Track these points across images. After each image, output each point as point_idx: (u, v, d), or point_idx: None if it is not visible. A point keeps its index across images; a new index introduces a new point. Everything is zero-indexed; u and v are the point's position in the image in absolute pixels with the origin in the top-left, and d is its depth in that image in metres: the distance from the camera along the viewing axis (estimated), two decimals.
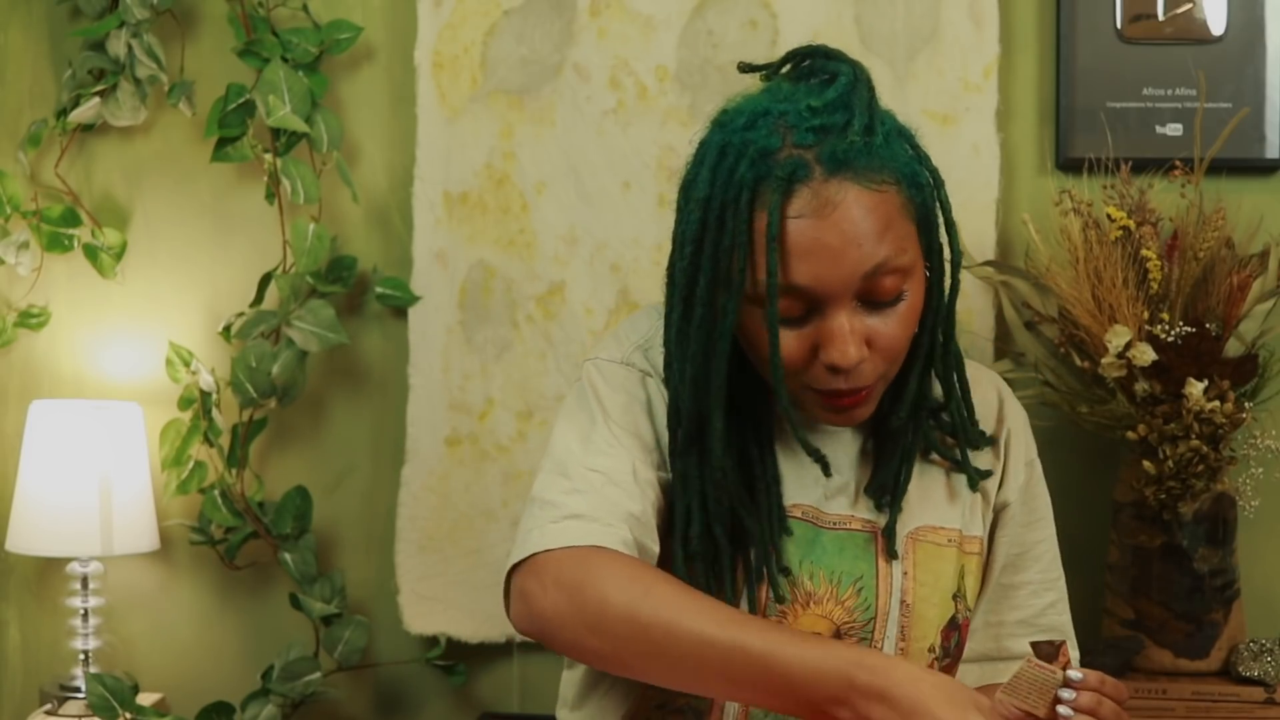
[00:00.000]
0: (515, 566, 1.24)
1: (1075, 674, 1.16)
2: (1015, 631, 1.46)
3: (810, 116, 1.23)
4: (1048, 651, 1.19)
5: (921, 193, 1.27)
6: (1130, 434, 1.95)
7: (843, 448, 1.36)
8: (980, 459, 1.41)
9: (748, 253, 1.22)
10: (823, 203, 1.21)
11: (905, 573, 1.34)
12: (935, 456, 1.38)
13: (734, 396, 1.30)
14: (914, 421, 1.34)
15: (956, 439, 1.37)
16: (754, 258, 1.22)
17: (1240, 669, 1.98)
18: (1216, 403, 1.90)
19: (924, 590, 1.35)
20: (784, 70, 1.31)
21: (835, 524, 1.34)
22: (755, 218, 1.22)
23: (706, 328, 1.25)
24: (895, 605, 1.33)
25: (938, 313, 1.30)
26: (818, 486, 1.34)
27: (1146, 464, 1.94)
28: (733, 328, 1.24)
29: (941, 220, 1.28)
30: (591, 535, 1.22)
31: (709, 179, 1.24)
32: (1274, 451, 1.99)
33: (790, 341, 1.24)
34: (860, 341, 1.23)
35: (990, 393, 1.44)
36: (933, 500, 1.38)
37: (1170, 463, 1.92)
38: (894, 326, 1.24)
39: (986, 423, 1.42)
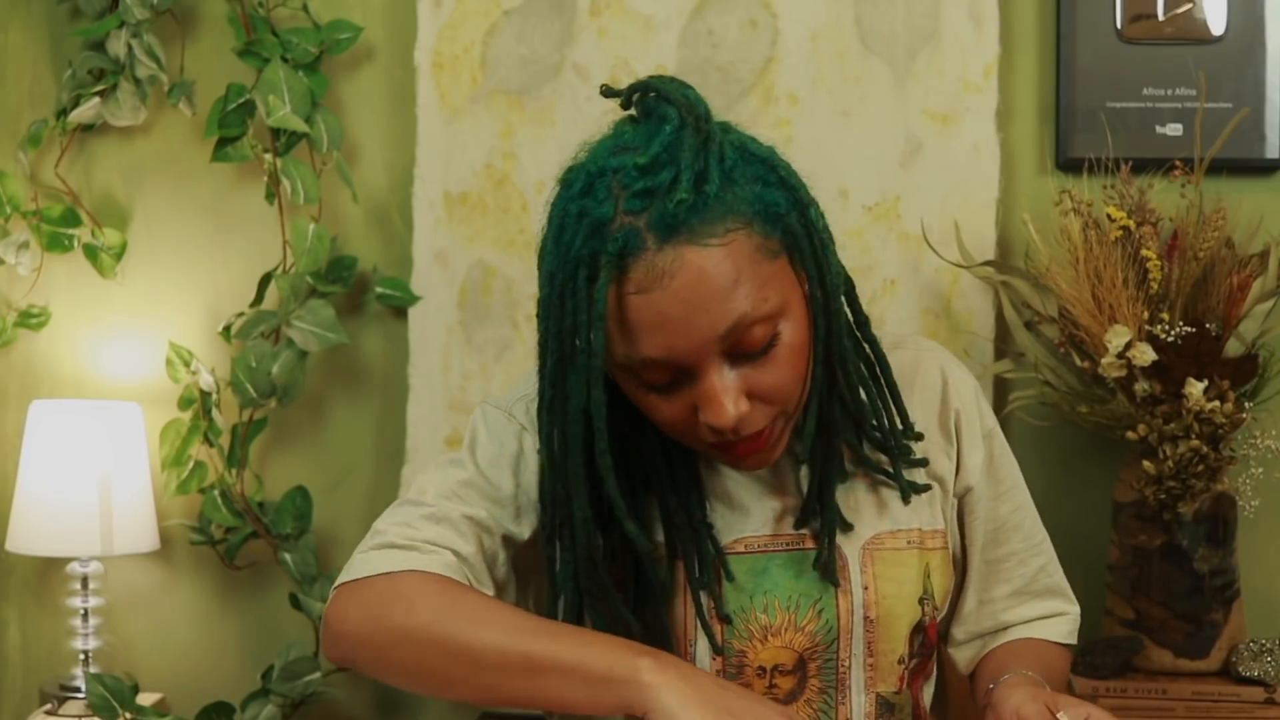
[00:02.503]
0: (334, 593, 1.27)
1: None
2: (1011, 604, 1.45)
3: (638, 178, 1.16)
4: None
5: (780, 225, 1.18)
6: (1130, 434, 1.95)
7: (776, 469, 1.32)
8: (931, 446, 1.37)
9: (589, 338, 1.17)
10: (659, 274, 1.15)
11: (866, 587, 1.31)
12: (869, 471, 1.33)
13: (636, 452, 1.27)
14: (824, 446, 1.28)
15: (888, 452, 1.32)
16: (594, 341, 1.17)
17: (1240, 669, 1.98)
18: (1216, 403, 1.90)
19: (888, 602, 1.32)
20: (633, 103, 1.24)
21: (789, 545, 1.31)
22: (593, 295, 1.17)
23: (559, 408, 1.22)
24: (859, 622, 1.31)
25: (825, 343, 1.23)
26: (761, 514, 1.31)
27: (1146, 464, 1.94)
28: (582, 408, 1.19)
29: (814, 242, 1.21)
30: (409, 562, 1.23)
31: (553, 250, 1.20)
32: (1274, 451, 1.99)
33: (668, 408, 1.20)
34: (738, 397, 1.18)
35: (934, 374, 1.39)
36: (886, 505, 1.34)
37: (1170, 463, 1.92)
38: (773, 374, 1.19)
39: (930, 408, 1.38)
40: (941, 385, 1.39)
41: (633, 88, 1.22)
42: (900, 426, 1.33)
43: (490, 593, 1.28)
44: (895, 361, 1.34)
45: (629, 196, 1.16)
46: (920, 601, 1.34)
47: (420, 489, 1.30)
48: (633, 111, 1.23)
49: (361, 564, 1.25)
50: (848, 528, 1.31)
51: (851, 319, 1.29)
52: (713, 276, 1.15)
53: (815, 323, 1.22)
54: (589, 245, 1.17)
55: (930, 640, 1.38)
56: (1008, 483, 1.43)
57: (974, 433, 1.39)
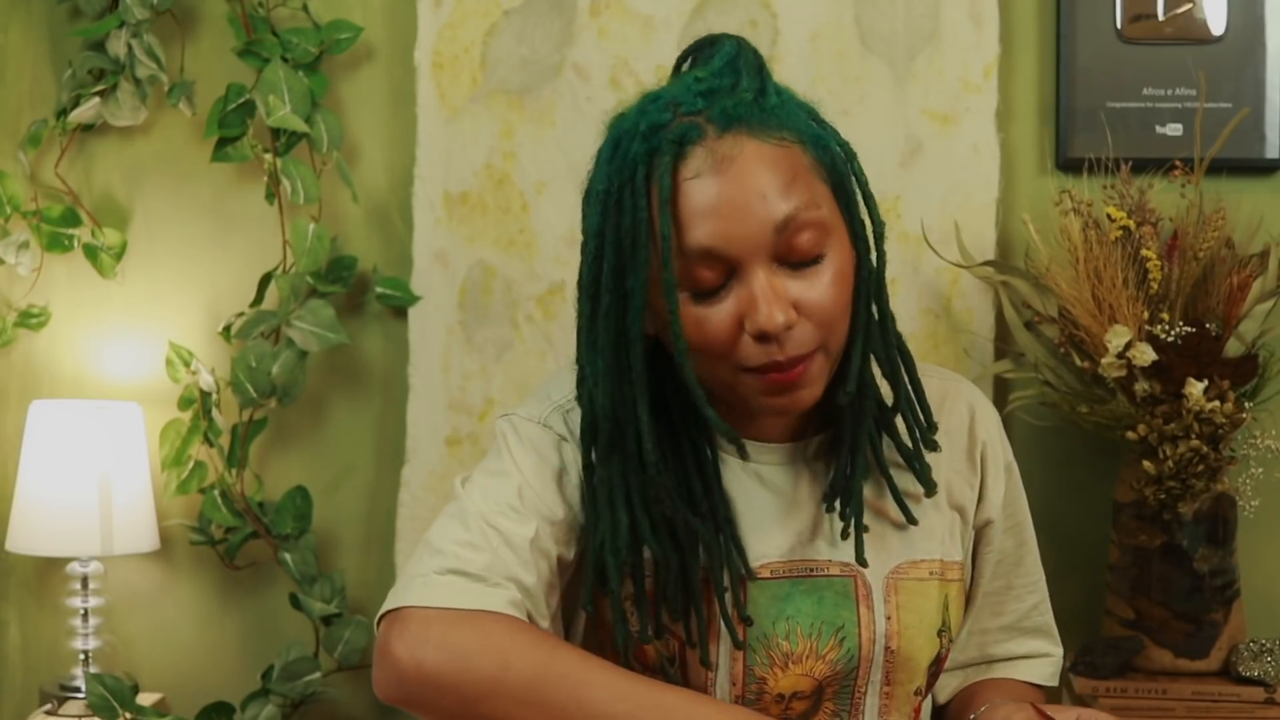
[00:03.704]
0: (388, 613, 1.18)
1: None
2: (1000, 638, 1.44)
3: (696, 85, 1.19)
4: None
5: (830, 157, 1.21)
6: (1130, 434, 1.95)
7: (797, 480, 1.30)
8: (956, 476, 1.36)
9: (649, 229, 1.16)
10: (719, 159, 1.16)
11: (889, 617, 1.29)
12: (889, 475, 1.31)
13: (664, 439, 1.23)
14: (859, 409, 1.26)
15: (911, 440, 1.30)
16: (656, 232, 1.16)
17: (1240, 669, 1.98)
18: (1216, 403, 1.90)
19: (909, 633, 1.30)
20: (683, 67, 1.28)
21: (812, 571, 1.29)
22: (651, 190, 1.16)
23: (615, 314, 1.19)
24: (879, 652, 1.29)
25: (868, 286, 1.23)
26: (785, 538, 1.28)
27: (1146, 464, 1.94)
28: (643, 308, 1.18)
29: (860, 194, 1.23)
30: (481, 598, 1.16)
31: (605, 172, 1.20)
32: (1274, 451, 1.99)
33: (713, 319, 1.17)
34: (786, 305, 1.16)
35: (960, 405, 1.38)
36: (909, 535, 1.32)
37: (1170, 463, 1.92)
38: (820, 290, 1.18)
39: (958, 437, 1.36)
40: (969, 417, 1.38)
41: (685, 51, 1.28)
42: (924, 422, 1.30)
43: (546, 624, 1.22)
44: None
45: (690, 99, 1.19)
46: (939, 634, 1.33)
47: (470, 500, 1.24)
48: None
49: (424, 590, 1.17)
50: (864, 528, 1.29)
51: (879, 310, 1.27)
52: (770, 167, 1.16)
53: (859, 267, 1.22)
54: (646, 144, 1.17)
55: (940, 670, 1.37)
56: (1019, 517, 1.42)
57: (998, 466, 1.39)
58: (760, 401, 1.21)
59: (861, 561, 1.27)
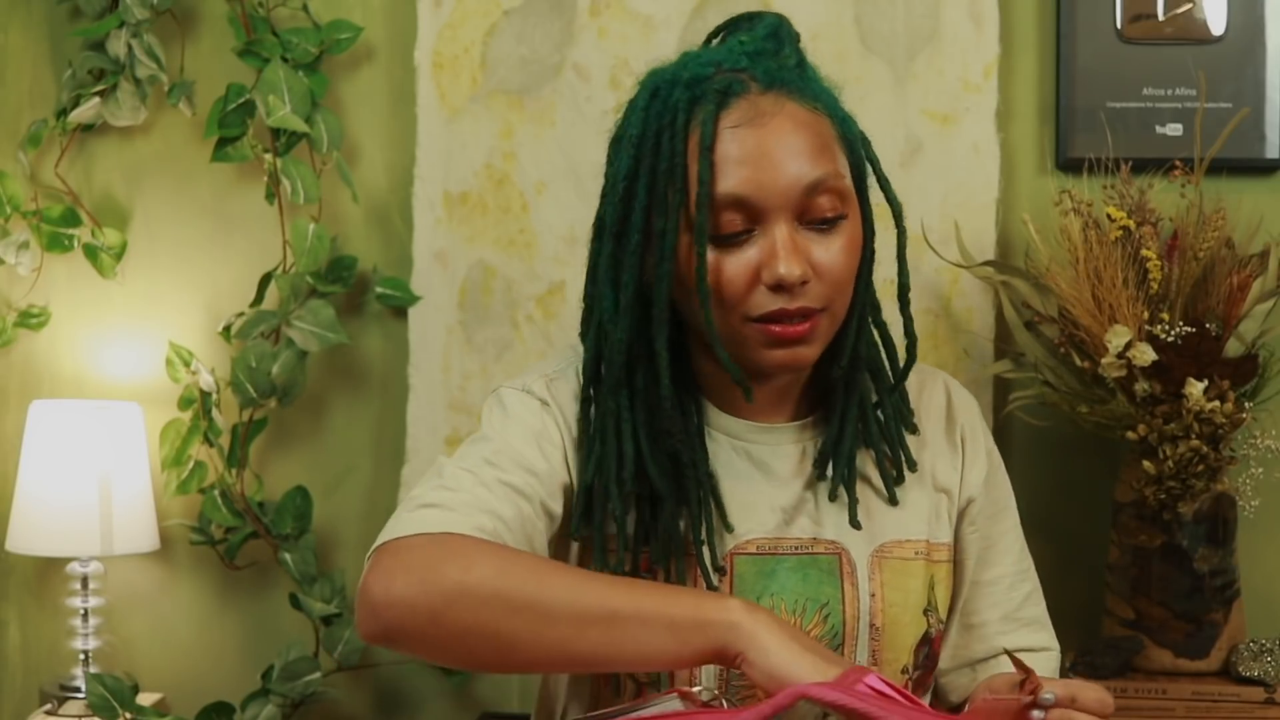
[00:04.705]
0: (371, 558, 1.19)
1: (1047, 695, 1.11)
2: (1001, 629, 1.44)
3: (740, 46, 1.26)
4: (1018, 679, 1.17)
5: (852, 136, 1.27)
6: (1130, 434, 1.95)
7: (784, 458, 1.33)
8: (939, 458, 1.39)
9: (685, 172, 1.21)
10: (760, 112, 1.22)
11: (873, 594, 1.31)
12: (880, 454, 1.35)
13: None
14: (852, 381, 1.31)
15: (892, 428, 1.35)
16: (692, 174, 1.21)
17: (1240, 669, 1.98)
18: (1216, 403, 1.90)
19: (894, 611, 1.32)
20: (718, 38, 1.34)
21: (796, 548, 1.31)
22: (690, 135, 1.21)
23: (641, 254, 1.24)
24: (864, 629, 1.30)
25: (869, 266, 1.29)
26: (772, 515, 1.31)
27: (1146, 464, 1.94)
28: (672, 248, 1.22)
29: (872, 173, 1.29)
30: (447, 522, 1.17)
31: (641, 118, 1.24)
32: (1274, 451, 1.99)
33: (731, 266, 1.22)
34: (803, 260, 1.21)
35: (938, 390, 1.42)
36: (896, 514, 1.34)
37: (1170, 463, 1.92)
38: (835, 253, 1.23)
39: (937, 420, 1.40)
40: (946, 400, 1.42)
41: (721, 25, 1.34)
42: (905, 408, 1.37)
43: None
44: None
45: (734, 58, 1.24)
46: (925, 613, 1.34)
47: (447, 460, 1.27)
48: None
49: (394, 525, 1.19)
50: (855, 498, 1.32)
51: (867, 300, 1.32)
52: (807, 130, 1.22)
53: (863, 248, 1.28)
54: (689, 92, 1.22)
55: (935, 653, 1.38)
56: (1003, 503, 1.44)
57: (978, 446, 1.42)
58: (762, 355, 1.25)
59: (855, 524, 1.30)
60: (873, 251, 1.29)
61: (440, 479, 1.24)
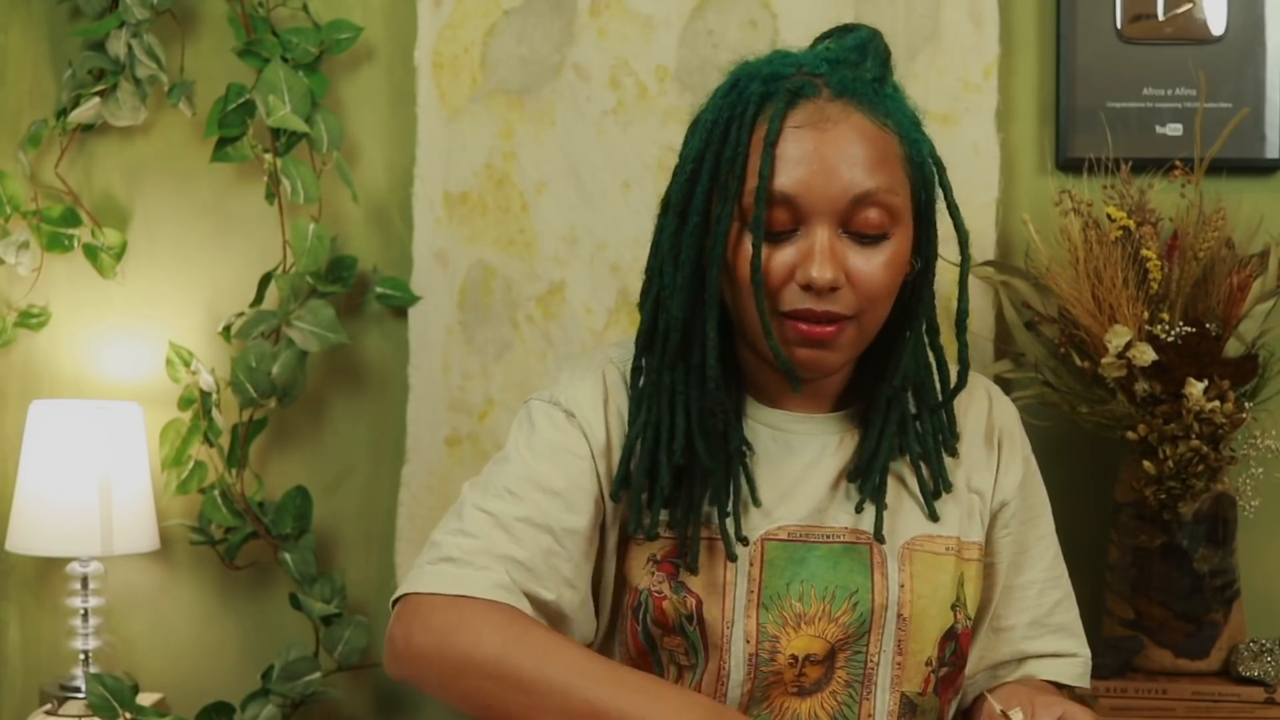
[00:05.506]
0: (396, 601, 1.29)
1: None
2: (1029, 634, 1.45)
3: (825, 53, 1.29)
4: None
5: (920, 160, 1.29)
6: (1130, 434, 1.95)
7: (822, 449, 1.36)
8: (975, 461, 1.41)
9: (746, 162, 1.25)
10: (824, 117, 1.24)
11: (902, 585, 1.33)
12: (917, 462, 1.37)
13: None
14: (895, 399, 1.35)
15: (930, 443, 1.37)
16: (752, 165, 1.25)
17: (1240, 669, 1.98)
18: (1216, 403, 1.90)
19: (921, 602, 1.33)
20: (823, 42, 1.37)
21: (829, 537, 1.33)
22: (757, 128, 1.25)
23: (699, 235, 1.27)
24: (891, 619, 1.32)
25: (930, 291, 1.32)
26: (805, 503, 1.34)
27: (1146, 464, 1.94)
28: (726, 233, 1.26)
29: (944, 201, 1.31)
30: (463, 582, 1.25)
31: (717, 105, 1.29)
32: (1274, 451, 1.99)
33: (771, 260, 1.25)
34: (838, 267, 1.24)
35: (980, 392, 1.44)
36: (928, 510, 1.37)
37: (1170, 463, 1.92)
38: (874, 267, 1.26)
39: (977, 422, 1.42)
40: (988, 403, 1.45)
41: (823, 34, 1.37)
42: (949, 429, 1.39)
43: (551, 591, 1.29)
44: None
45: (815, 62, 1.27)
46: (953, 608, 1.35)
47: (469, 492, 1.33)
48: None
49: (418, 579, 1.28)
50: (883, 505, 1.34)
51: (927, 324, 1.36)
52: (869, 141, 1.25)
53: (921, 276, 1.31)
54: (764, 87, 1.26)
55: (962, 650, 1.39)
56: (1038, 509, 1.47)
57: (1014, 452, 1.44)
58: (788, 351, 1.28)
59: (879, 538, 1.33)
60: (933, 274, 1.32)
61: (460, 521, 1.30)
